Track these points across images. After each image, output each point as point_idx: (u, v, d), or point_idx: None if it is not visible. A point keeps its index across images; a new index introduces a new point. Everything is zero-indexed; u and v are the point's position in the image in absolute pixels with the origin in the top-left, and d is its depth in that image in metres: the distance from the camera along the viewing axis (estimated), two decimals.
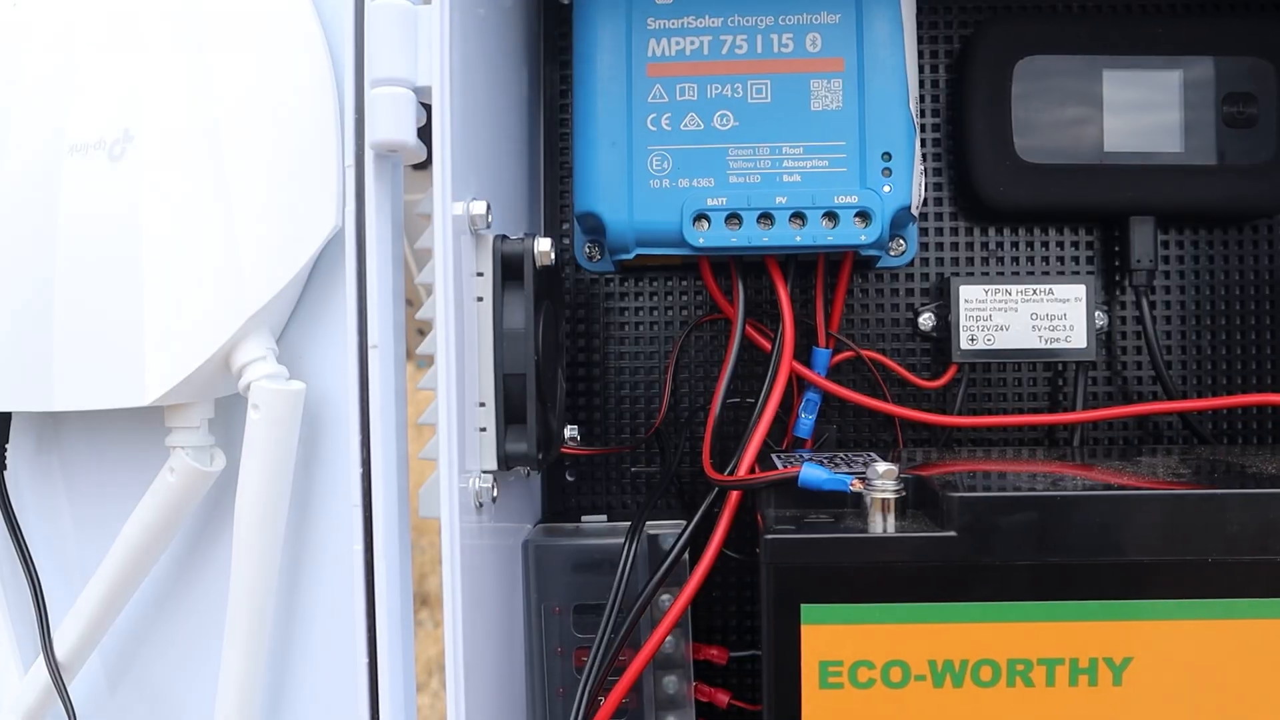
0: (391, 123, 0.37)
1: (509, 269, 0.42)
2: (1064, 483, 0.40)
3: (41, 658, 0.47)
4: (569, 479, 0.57)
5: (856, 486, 0.40)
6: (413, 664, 0.41)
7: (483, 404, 0.42)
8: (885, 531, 0.38)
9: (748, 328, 0.55)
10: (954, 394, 0.54)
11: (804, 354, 0.54)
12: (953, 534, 0.38)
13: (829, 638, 0.38)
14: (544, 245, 0.42)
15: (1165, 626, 0.37)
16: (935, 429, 0.55)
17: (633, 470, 0.56)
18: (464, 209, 0.40)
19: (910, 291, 0.56)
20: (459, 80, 0.40)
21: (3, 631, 0.52)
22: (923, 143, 0.56)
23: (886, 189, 0.49)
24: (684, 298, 0.57)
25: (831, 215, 0.49)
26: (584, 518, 0.54)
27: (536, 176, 0.56)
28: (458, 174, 0.39)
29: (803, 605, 0.38)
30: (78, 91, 0.46)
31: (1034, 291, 0.53)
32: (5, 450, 0.51)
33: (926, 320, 0.54)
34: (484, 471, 0.42)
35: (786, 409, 0.54)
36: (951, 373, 0.54)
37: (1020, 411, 0.55)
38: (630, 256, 0.51)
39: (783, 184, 0.50)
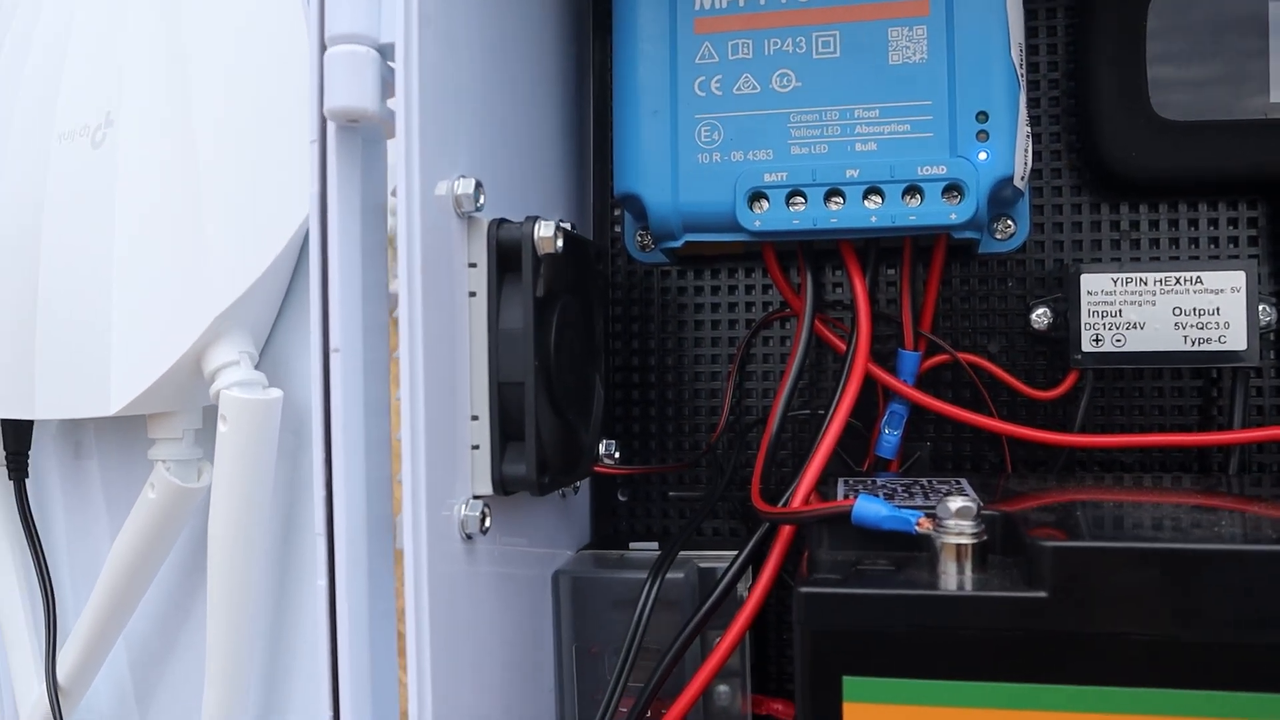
0: (349, 86, 0.32)
1: (506, 259, 0.36)
2: (1205, 527, 0.30)
3: (73, 655, 0.44)
4: (620, 499, 0.50)
5: (924, 527, 0.32)
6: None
7: (475, 417, 0.36)
8: (954, 588, 0.30)
9: (821, 326, 0.47)
10: (1075, 407, 0.44)
11: (890, 359, 0.46)
12: (1043, 595, 0.29)
13: None
14: (545, 230, 0.35)
15: None
16: (1052, 449, 0.45)
17: (671, 494, 0.49)
18: (447, 188, 0.34)
19: (1021, 282, 0.47)
20: (438, 38, 0.34)
21: (25, 639, 0.49)
22: (1033, 101, 0.47)
23: (982, 156, 0.40)
24: (751, 293, 0.50)
25: (915, 190, 0.40)
26: (632, 545, 0.47)
27: (583, 158, 0.50)
28: (432, 145, 0.33)
29: (845, 678, 0.30)
30: (67, 76, 0.43)
31: (1177, 280, 0.43)
32: (27, 457, 0.49)
33: (1041, 317, 0.45)
34: (475, 497, 0.35)
35: (871, 423, 0.46)
36: (1071, 380, 0.44)
37: (1160, 429, 0.45)
38: (678, 244, 0.44)
39: (855, 154, 0.41)
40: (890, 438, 0.45)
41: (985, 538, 0.31)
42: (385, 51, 0.32)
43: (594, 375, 0.44)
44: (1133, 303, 0.43)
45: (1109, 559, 0.29)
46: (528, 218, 0.36)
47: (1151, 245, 0.45)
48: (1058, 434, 0.43)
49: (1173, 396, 0.45)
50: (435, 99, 0.33)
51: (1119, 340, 0.43)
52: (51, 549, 0.51)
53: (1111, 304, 0.43)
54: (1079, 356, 0.43)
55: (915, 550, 0.33)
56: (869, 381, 0.47)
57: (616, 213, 0.51)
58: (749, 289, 0.49)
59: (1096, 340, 0.43)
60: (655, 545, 0.48)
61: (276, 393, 0.38)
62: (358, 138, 0.34)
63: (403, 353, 0.32)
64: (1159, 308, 0.43)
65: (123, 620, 0.44)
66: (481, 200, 0.35)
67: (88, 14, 0.43)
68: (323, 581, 0.33)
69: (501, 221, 0.36)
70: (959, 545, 0.31)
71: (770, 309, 0.49)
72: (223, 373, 0.37)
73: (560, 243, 0.36)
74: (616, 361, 0.50)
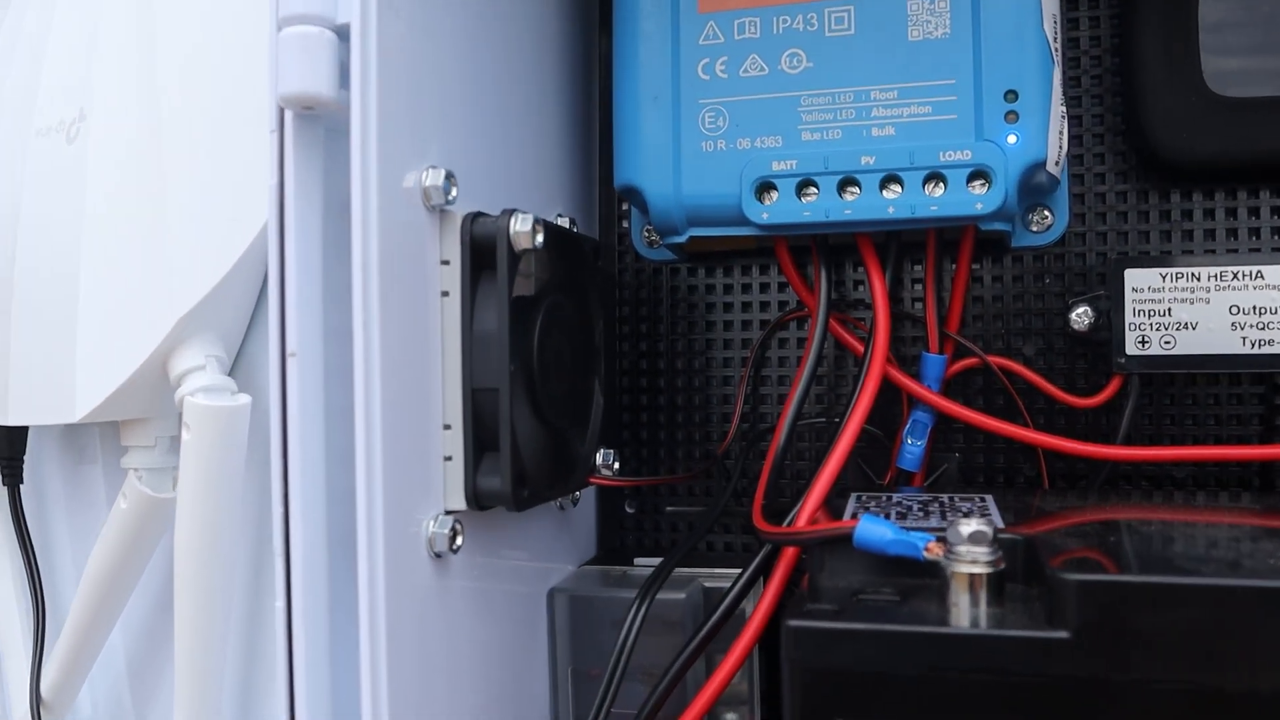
0: (302, 70, 0.29)
1: (481, 256, 0.33)
2: (1261, 558, 0.26)
3: (54, 669, 0.43)
4: (628, 511, 0.48)
5: (933, 553, 0.29)
6: None
7: (448, 426, 0.33)
8: (964, 624, 0.26)
9: (838, 327, 0.43)
10: (1119, 416, 0.40)
11: (916, 363, 0.42)
12: (1065, 635, 0.25)
13: None
14: (522, 224, 0.33)
15: None
16: (1094, 463, 0.41)
17: (669, 510, 0.46)
18: (415, 179, 0.32)
19: (1060, 279, 0.43)
20: (403, 20, 0.31)
21: (19, 648, 0.48)
22: (1072, 80, 0.42)
23: (1011, 139, 0.36)
24: (766, 292, 0.46)
25: (937, 177, 0.37)
26: (637, 560, 0.44)
27: (590, 153, 0.47)
28: (394, 133, 0.31)
29: None
30: (46, 71, 0.41)
31: (1234, 275, 0.38)
32: (21, 463, 0.48)
33: (1081, 317, 0.41)
34: (447, 512, 0.33)
35: (894, 433, 0.42)
36: (1114, 387, 0.40)
37: (1216, 441, 0.41)
38: (683, 239, 0.41)
39: (871, 139, 0.38)
40: (913, 448, 0.41)
41: (1003, 566, 0.28)
42: (344, 34, 0.30)
43: (592, 381, 0.41)
44: (1184, 300, 0.39)
45: (1144, 595, 0.25)
46: (504, 211, 0.33)
47: (1206, 236, 0.41)
48: (1099, 446, 0.39)
49: (1230, 405, 0.41)
50: (398, 84, 0.31)
51: (1168, 342, 0.39)
52: (55, 556, 0.49)
53: (1160, 302, 0.39)
54: (1123, 360, 0.39)
55: (927, 577, 0.30)
56: (892, 388, 0.43)
57: (625, 208, 0.48)
58: (764, 288, 0.46)
59: (1143, 342, 0.39)
60: (661, 561, 0.45)
61: (244, 399, 0.35)
62: (319, 127, 0.31)
63: (356, 355, 0.29)
64: (1213, 306, 0.39)
65: (104, 633, 0.42)
66: (454, 193, 0.33)
67: (68, 10, 0.42)
68: (281, 603, 0.31)
69: (477, 216, 0.33)
70: (972, 575, 0.28)
71: (787, 309, 0.46)
72: (188, 378, 0.35)
73: (540, 238, 0.33)
74: (624, 365, 0.47)
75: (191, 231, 0.36)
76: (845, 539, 0.30)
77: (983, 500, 0.36)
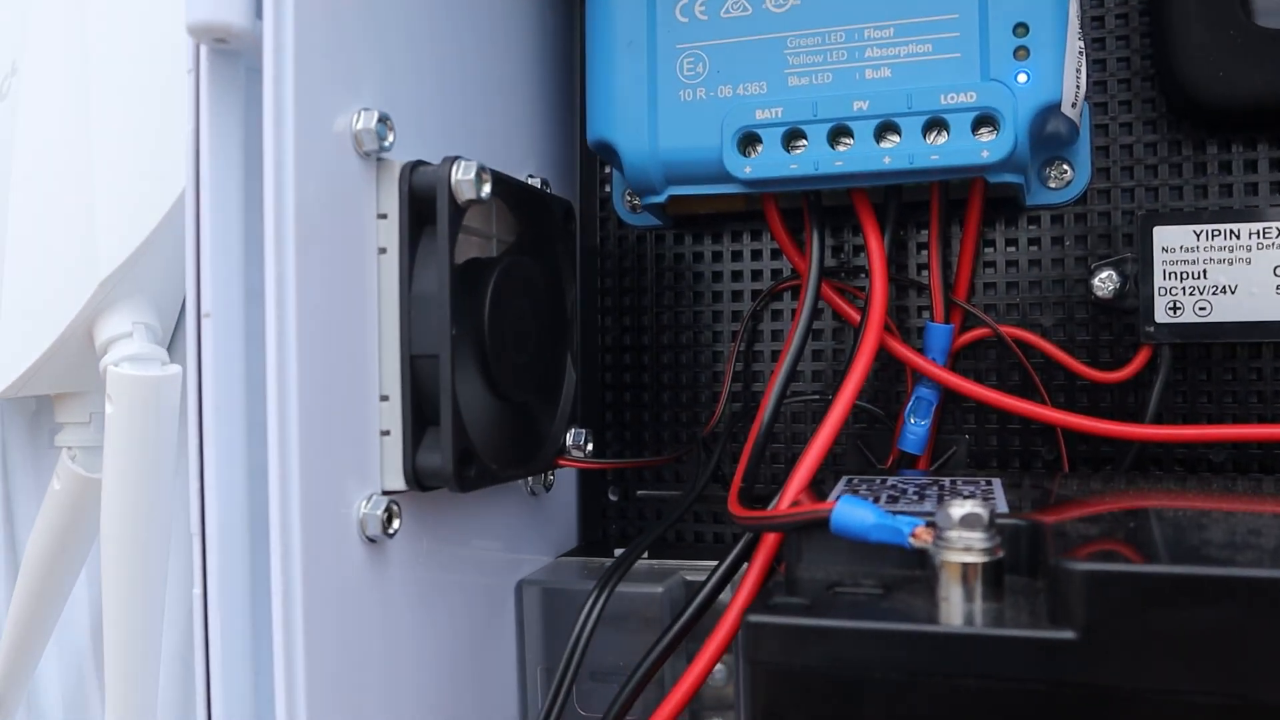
0: None
1: (421, 209, 0.30)
2: None
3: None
4: (611, 499, 0.44)
5: (920, 539, 0.25)
6: None
7: (385, 397, 0.30)
8: (952, 622, 0.23)
9: (832, 294, 0.40)
10: (1148, 392, 0.36)
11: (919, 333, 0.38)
12: (1071, 635, 0.21)
13: None
14: (464, 172, 0.29)
15: None
16: (1121, 444, 0.37)
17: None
18: (345, 123, 0.29)
19: (1081, 239, 0.38)
20: None
21: None
22: (1096, 19, 0.38)
23: (1021, 79, 0.33)
24: (758, 259, 0.43)
25: (938, 123, 0.33)
26: (617, 552, 0.41)
27: (572, 111, 0.44)
28: (315, 69, 0.27)
29: None
30: None
31: (1279, 232, 0.34)
32: None
33: (1105, 282, 0.37)
34: (385, 492, 0.30)
35: (898, 413, 0.39)
36: (1142, 359, 0.36)
37: (1260, 421, 0.36)
38: (662, 199, 0.37)
39: (865, 82, 0.34)
40: (917, 428, 0.37)
41: (1001, 555, 0.24)
42: None
43: (564, 354, 0.38)
44: (1221, 261, 0.34)
45: (1165, 588, 0.21)
46: (445, 159, 0.30)
47: (1247, 191, 0.36)
48: (1124, 425, 0.35)
49: (1273, 379, 0.36)
50: (322, 14, 0.28)
51: (1202, 308, 0.35)
52: (22, 538, 0.47)
53: (1193, 263, 0.35)
54: (1152, 329, 0.35)
55: (917, 568, 0.26)
56: (897, 364, 0.40)
57: (608, 171, 0.44)
58: (755, 255, 0.42)
59: (1174, 309, 0.35)
60: (644, 553, 0.41)
61: (175, 369, 0.33)
62: (239, 65, 0.28)
63: (269, 315, 0.26)
64: (1255, 267, 0.34)
65: (49, 621, 0.40)
66: (390, 139, 0.29)
67: None
68: (197, 590, 0.28)
69: (417, 165, 0.30)
70: (965, 564, 0.24)
71: (781, 278, 0.42)
72: (113, 346, 0.32)
73: (486, 189, 0.30)
74: (606, 340, 0.44)
75: (117, 189, 0.33)
76: (822, 523, 0.26)
77: (989, 483, 0.32)
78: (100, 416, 0.36)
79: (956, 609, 0.23)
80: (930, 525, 0.25)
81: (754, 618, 0.23)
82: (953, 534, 0.24)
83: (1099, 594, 0.21)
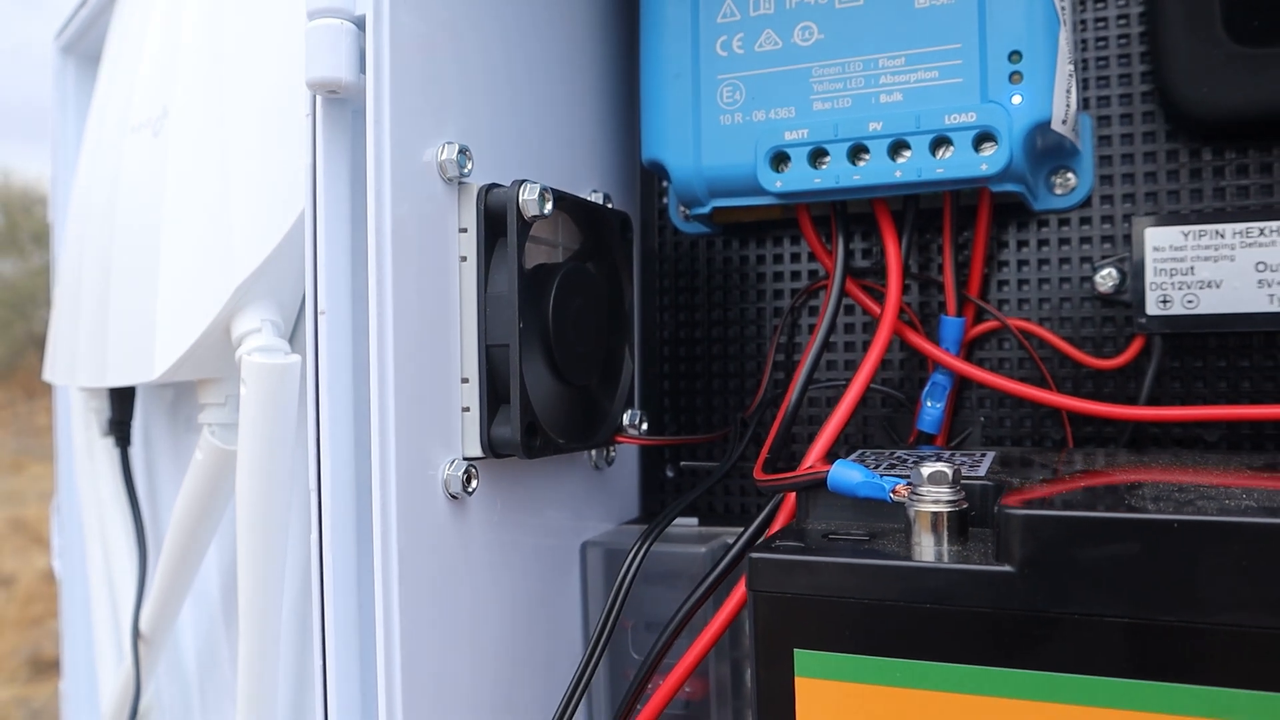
0: (325, 58, 0.33)
1: (495, 224, 0.36)
2: (1219, 500, 0.27)
3: (149, 608, 0.48)
4: (669, 475, 0.50)
5: (899, 495, 0.30)
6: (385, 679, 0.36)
7: (466, 380, 0.36)
8: (916, 559, 0.28)
9: (857, 291, 0.44)
10: (1142, 376, 0.40)
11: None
12: (1009, 569, 0.26)
13: (830, 697, 0.28)
14: (529, 193, 0.35)
15: None
16: (1121, 424, 0.41)
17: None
18: (432, 154, 0.35)
19: (1086, 240, 0.42)
20: (416, 10, 0.34)
21: (104, 621, 0.54)
22: (1100, 40, 0.42)
23: (1016, 100, 0.37)
24: (797, 261, 0.48)
25: (943, 141, 0.38)
26: (676, 521, 0.46)
27: (629, 132, 0.49)
28: (408, 112, 0.34)
29: (796, 651, 0.28)
30: (140, 75, 0.46)
31: (1261, 232, 0.37)
32: (130, 425, 0.54)
33: (1107, 278, 0.40)
34: (465, 459, 0.36)
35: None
36: (1136, 348, 0.40)
37: (1247, 400, 0.40)
38: (706, 210, 0.43)
39: (879, 106, 0.39)
40: (932, 410, 0.42)
41: (965, 506, 0.29)
42: (362, 24, 0.33)
43: (623, 346, 0.44)
44: (1207, 259, 0.38)
45: (1082, 529, 0.26)
46: (514, 182, 0.36)
47: (1238, 194, 0.40)
48: (1117, 406, 0.39)
49: (1261, 364, 0.40)
50: (412, 68, 0.34)
51: (1190, 301, 0.38)
52: (165, 513, 0.55)
53: (1182, 260, 0.38)
54: (1144, 320, 0.39)
55: (902, 523, 0.31)
56: (919, 354, 0.44)
57: (665, 185, 0.50)
58: (794, 258, 0.47)
59: (1164, 302, 0.39)
60: (695, 521, 0.47)
61: (295, 358, 0.39)
62: (347, 110, 0.35)
63: (371, 312, 0.32)
64: (1239, 264, 0.38)
65: (191, 573, 0.47)
66: (469, 167, 0.36)
67: (159, 16, 0.47)
68: (314, 535, 0.34)
69: (491, 187, 0.36)
70: (934, 514, 0.29)
71: (817, 278, 0.47)
72: (246, 339, 0.39)
73: (548, 206, 0.36)
74: (664, 335, 0.50)
75: (249, 210, 0.40)
76: (820, 483, 0.32)
77: (983, 455, 0.36)
78: (235, 398, 0.43)
79: (925, 551, 0.28)
80: (908, 484, 0.30)
81: (756, 555, 0.29)
82: (924, 489, 0.29)
83: (1031, 535, 0.26)
